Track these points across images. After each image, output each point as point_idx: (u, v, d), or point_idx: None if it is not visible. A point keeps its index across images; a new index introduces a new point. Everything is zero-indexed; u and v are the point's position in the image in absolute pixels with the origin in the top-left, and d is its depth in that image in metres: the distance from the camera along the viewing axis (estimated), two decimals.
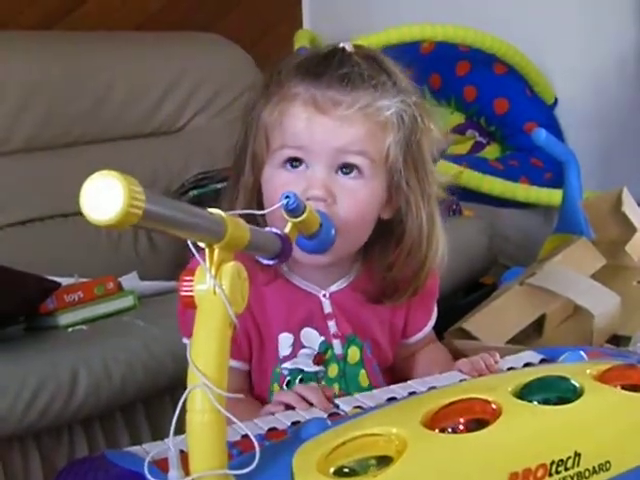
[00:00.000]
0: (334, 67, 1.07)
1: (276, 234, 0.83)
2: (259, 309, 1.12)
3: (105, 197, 0.57)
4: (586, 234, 1.98)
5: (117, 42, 2.45)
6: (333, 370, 1.16)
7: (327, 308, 1.16)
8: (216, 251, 0.70)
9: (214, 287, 0.70)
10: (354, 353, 1.17)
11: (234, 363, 1.13)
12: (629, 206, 1.85)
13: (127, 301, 1.79)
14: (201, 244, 0.70)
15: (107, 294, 1.78)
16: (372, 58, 1.11)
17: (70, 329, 1.66)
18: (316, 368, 1.14)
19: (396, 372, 1.24)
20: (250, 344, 1.14)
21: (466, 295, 2.37)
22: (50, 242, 2.05)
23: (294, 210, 0.86)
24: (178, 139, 2.44)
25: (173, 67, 2.46)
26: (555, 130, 2.80)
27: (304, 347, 1.14)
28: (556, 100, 2.94)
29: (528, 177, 2.73)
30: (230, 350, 1.08)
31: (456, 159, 2.70)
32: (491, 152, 2.94)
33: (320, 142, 1.05)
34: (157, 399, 1.64)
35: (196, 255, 0.69)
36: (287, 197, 0.85)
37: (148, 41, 2.54)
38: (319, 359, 1.14)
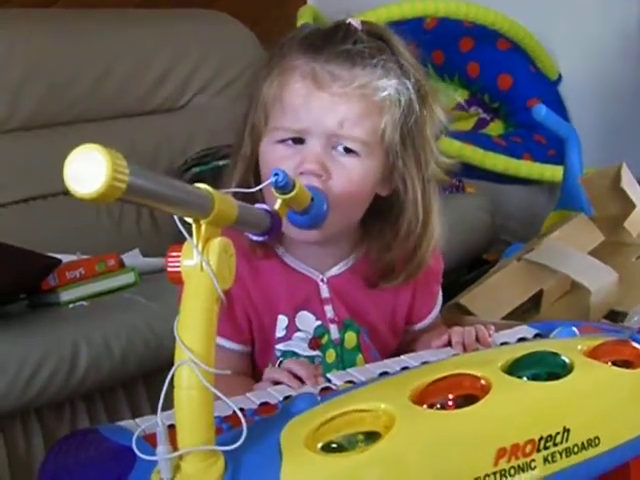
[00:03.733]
0: (337, 42, 1.07)
1: (265, 210, 0.83)
2: (257, 290, 1.12)
3: (88, 170, 0.57)
4: (587, 211, 1.97)
5: (119, 19, 2.44)
6: (331, 355, 1.15)
7: (324, 293, 1.15)
8: (203, 227, 0.69)
9: (201, 263, 0.69)
10: (351, 338, 1.16)
11: (234, 346, 1.13)
12: (628, 182, 1.83)
13: (128, 278, 1.80)
14: (188, 219, 0.69)
15: (108, 271, 1.79)
16: (378, 36, 1.10)
17: (71, 305, 1.67)
18: (312, 353, 1.14)
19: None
20: (251, 326, 1.14)
21: (469, 272, 2.36)
22: (52, 220, 2.06)
23: (283, 187, 0.86)
24: (180, 116, 2.44)
25: (175, 44, 2.46)
26: (559, 106, 2.78)
27: (299, 330, 1.14)
28: (560, 76, 2.92)
29: (531, 154, 2.71)
30: (230, 332, 1.11)
31: (460, 135, 2.69)
32: (494, 129, 2.93)
33: (316, 119, 1.05)
34: (158, 374, 1.64)
35: (182, 230, 0.69)
36: (276, 174, 0.85)
37: (150, 18, 2.53)
38: (315, 344, 1.14)
